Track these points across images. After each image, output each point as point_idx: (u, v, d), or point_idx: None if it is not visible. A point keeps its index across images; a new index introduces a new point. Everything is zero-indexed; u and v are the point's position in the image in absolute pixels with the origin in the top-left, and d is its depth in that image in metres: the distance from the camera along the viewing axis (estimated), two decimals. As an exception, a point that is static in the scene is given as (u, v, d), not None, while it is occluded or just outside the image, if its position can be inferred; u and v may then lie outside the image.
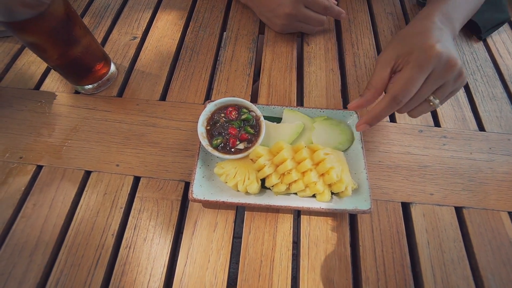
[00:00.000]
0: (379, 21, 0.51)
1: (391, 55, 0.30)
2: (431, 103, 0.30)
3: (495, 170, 0.38)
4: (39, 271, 0.30)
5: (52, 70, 0.44)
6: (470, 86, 0.44)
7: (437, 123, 0.41)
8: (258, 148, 0.31)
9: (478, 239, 0.34)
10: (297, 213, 0.34)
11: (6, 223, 0.33)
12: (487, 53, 0.48)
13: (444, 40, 0.29)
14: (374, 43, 0.48)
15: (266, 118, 0.36)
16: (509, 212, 0.35)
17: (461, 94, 0.44)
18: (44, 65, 0.45)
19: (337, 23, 0.50)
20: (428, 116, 0.42)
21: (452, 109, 0.42)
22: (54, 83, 0.43)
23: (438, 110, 0.42)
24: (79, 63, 0.38)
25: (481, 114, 0.42)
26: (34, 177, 0.36)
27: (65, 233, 0.32)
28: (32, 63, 0.45)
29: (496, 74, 0.46)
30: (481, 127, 0.41)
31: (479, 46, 0.49)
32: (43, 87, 0.43)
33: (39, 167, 0.36)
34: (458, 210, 0.35)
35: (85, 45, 0.37)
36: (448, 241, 0.33)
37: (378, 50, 0.47)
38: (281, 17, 0.43)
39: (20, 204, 0.34)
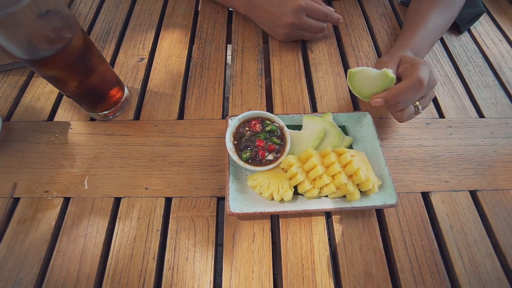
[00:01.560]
0: (373, 23, 0.54)
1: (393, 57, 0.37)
2: (416, 109, 0.36)
3: (499, 152, 0.41)
4: (86, 304, 0.30)
5: (64, 100, 0.44)
6: (465, 77, 0.48)
7: (441, 115, 0.44)
8: (288, 157, 0.33)
9: (495, 218, 0.36)
10: (327, 215, 0.36)
11: (43, 260, 0.32)
12: (475, 45, 0.52)
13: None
14: (373, 44, 0.51)
15: (287, 126, 0.37)
16: (518, 190, 0.38)
17: (458, 85, 0.47)
18: (54, 96, 0.44)
19: (336, 29, 0.53)
20: (432, 109, 0.44)
21: (453, 100, 0.45)
22: (67, 112, 0.43)
23: (440, 102, 0.45)
24: (96, 91, 0.38)
25: (478, 102, 0.45)
26: (63, 210, 0.35)
27: (105, 263, 0.32)
28: (41, 95, 0.44)
29: (486, 63, 0.49)
30: (480, 114, 0.44)
31: (466, 39, 0.52)
32: (57, 118, 0.42)
33: (67, 199, 0.36)
34: (473, 194, 0.38)
35: (101, 72, 0.37)
36: (469, 223, 0.36)
37: (377, 51, 0.50)
38: (284, 26, 0.45)
39: (53, 239, 0.33)
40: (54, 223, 0.34)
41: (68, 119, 0.42)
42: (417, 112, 0.36)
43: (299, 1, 0.43)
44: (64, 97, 0.44)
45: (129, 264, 0.32)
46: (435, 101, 0.45)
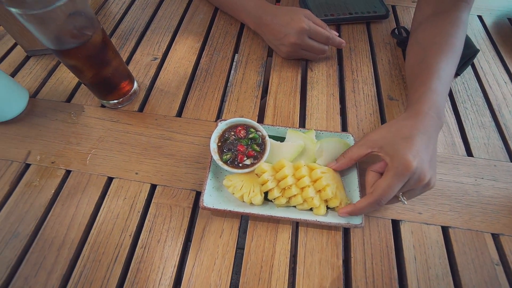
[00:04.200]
0: (378, 50, 0.56)
1: (377, 142, 0.35)
2: (400, 200, 0.34)
3: (480, 193, 0.41)
4: (65, 264, 0.34)
5: (81, 85, 0.50)
6: (461, 114, 0.48)
7: (428, 147, 0.45)
8: (262, 165, 0.35)
9: (462, 257, 0.36)
10: (296, 225, 0.38)
11: (39, 220, 0.37)
12: (477, 83, 0.52)
13: (422, 152, 0.32)
14: (373, 70, 0.52)
15: (271, 137, 0.40)
16: (492, 234, 0.38)
17: (451, 120, 0.47)
18: (75, 81, 0.50)
19: (339, 51, 0.55)
20: (420, 140, 0.45)
21: (443, 135, 0.46)
22: (83, 97, 0.48)
23: (429, 135, 0.45)
24: (108, 82, 0.43)
25: (470, 140, 0.45)
26: (63, 180, 0.40)
27: (89, 232, 0.36)
28: (64, 79, 0.51)
29: (485, 103, 0.49)
30: (469, 153, 0.44)
31: (470, 76, 0.53)
32: (73, 100, 0.48)
33: (68, 172, 0.41)
34: (445, 229, 0.38)
35: (115, 66, 0.42)
36: (434, 257, 0.36)
37: (376, 77, 0.52)
38: (287, 45, 0.48)
39: (50, 204, 0.38)
40: (53, 190, 0.39)
41: (83, 103, 0.48)
42: (401, 202, 0.35)
43: (303, 24, 0.46)
44: (82, 84, 0.50)
45: (108, 237, 0.36)
46: (425, 133, 0.46)
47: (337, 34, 0.49)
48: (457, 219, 0.39)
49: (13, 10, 0.29)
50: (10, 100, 0.44)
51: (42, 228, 0.37)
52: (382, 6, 0.60)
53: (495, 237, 0.38)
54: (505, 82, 0.52)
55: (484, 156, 0.44)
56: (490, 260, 0.36)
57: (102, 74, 0.41)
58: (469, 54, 0.50)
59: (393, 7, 0.64)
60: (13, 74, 0.51)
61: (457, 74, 0.52)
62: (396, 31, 0.57)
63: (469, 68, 0.53)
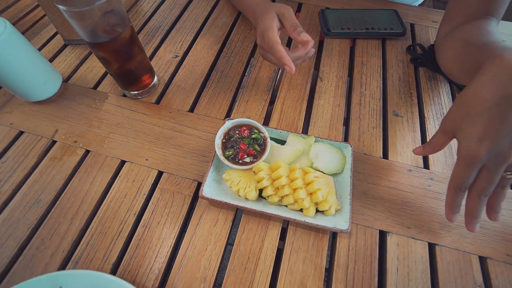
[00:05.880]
0: (389, 66, 0.57)
1: (450, 126, 0.32)
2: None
3: (474, 216, 0.41)
4: (76, 232, 0.38)
5: (108, 75, 0.55)
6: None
7: (426, 165, 0.45)
8: (260, 163, 0.38)
9: (445, 275, 0.37)
10: (287, 223, 0.40)
11: (58, 191, 0.42)
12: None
13: (495, 129, 0.28)
14: (381, 85, 0.54)
15: (273, 139, 0.43)
16: (480, 257, 0.38)
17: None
18: (102, 70, 0.55)
19: (351, 65, 0.57)
20: (419, 158, 0.46)
21: (444, 155, 0.46)
22: (108, 86, 0.53)
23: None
24: (132, 74, 0.47)
25: (470, 163, 0.46)
26: (82, 159, 0.45)
27: (99, 207, 0.41)
28: (93, 68, 0.56)
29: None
30: (468, 175, 0.45)
31: None
32: (99, 88, 0.53)
33: (87, 151, 0.46)
34: (431, 246, 0.39)
35: (139, 60, 0.46)
36: (416, 272, 0.37)
37: (384, 93, 0.53)
38: (258, 45, 0.47)
39: (69, 178, 0.43)
40: (73, 166, 0.44)
41: (107, 91, 0.52)
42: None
43: (258, 34, 0.44)
44: (108, 74, 0.55)
45: (115, 213, 0.40)
46: (425, 151, 0.47)
47: (311, 41, 0.42)
48: (446, 238, 0.40)
49: (60, 7, 0.34)
50: (46, 82, 0.50)
51: (60, 198, 0.41)
52: (400, 23, 0.61)
53: (482, 260, 0.38)
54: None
55: (483, 180, 0.44)
56: (473, 282, 0.37)
57: (127, 66, 0.45)
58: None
59: (412, 25, 0.65)
60: (51, 60, 0.57)
61: None
62: (411, 47, 0.58)
63: None
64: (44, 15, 0.66)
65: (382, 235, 0.40)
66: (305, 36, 0.41)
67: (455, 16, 0.48)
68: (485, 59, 0.32)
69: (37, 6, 0.68)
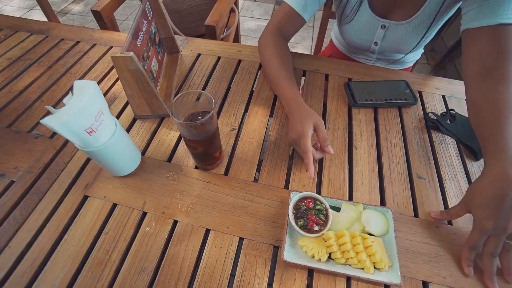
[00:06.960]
0: (407, 132, 0.70)
1: (468, 205, 0.51)
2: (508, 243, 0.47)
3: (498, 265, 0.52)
4: (183, 297, 0.47)
5: (178, 148, 0.65)
6: (475, 194, 0.61)
7: (450, 222, 0.57)
8: (329, 232, 0.49)
9: (477, 316, 0.48)
10: (349, 279, 0.50)
11: (158, 258, 0.50)
12: (489, 169, 0.64)
13: (501, 212, 0.46)
14: (404, 150, 0.66)
15: (330, 207, 0.54)
16: (501, 300, 0.49)
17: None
18: (172, 144, 0.65)
19: (377, 132, 0.69)
20: (442, 215, 0.58)
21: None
22: (180, 158, 0.63)
23: (450, 211, 0.58)
24: (208, 152, 0.58)
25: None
26: (172, 229, 0.54)
27: (195, 272, 0.49)
28: (164, 141, 0.66)
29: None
30: (482, 228, 0.56)
31: (483, 162, 0.66)
32: (173, 161, 0.63)
33: (175, 222, 0.55)
34: (464, 293, 0.50)
35: (216, 143, 0.57)
36: (455, 315, 0.48)
37: (407, 157, 0.65)
38: (289, 138, 0.62)
39: (165, 247, 0.52)
40: (166, 236, 0.53)
41: (181, 164, 0.62)
42: None
43: (292, 136, 0.59)
44: (179, 146, 0.65)
45: (211, 277, 0.49)
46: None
47: (332, 151, 0.56)
48: (475, 285, 0.50)
49: (176, 120, 0.45)
50: (134, 157, 0.59)
51: (161, 265, 0.50)
52: (412, 94, 0.75)
53: (503, 302, 0.49)
54: None
55: None
56: (499, 321, 0.47)
57: (207, 149, 0.56)
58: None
59: (420, 92, 0.79)
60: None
61: (477, 158, 0.65)
62: (425, 117, 0.72)
63: None
64: (112, 86, 0.76)
65: (425, 285, 0.50)
66: (329, 150, 0.56)
67: (472, 62, 0.56)
68: (489, 158, 0.50)
69: (106, 74, 0.79)
